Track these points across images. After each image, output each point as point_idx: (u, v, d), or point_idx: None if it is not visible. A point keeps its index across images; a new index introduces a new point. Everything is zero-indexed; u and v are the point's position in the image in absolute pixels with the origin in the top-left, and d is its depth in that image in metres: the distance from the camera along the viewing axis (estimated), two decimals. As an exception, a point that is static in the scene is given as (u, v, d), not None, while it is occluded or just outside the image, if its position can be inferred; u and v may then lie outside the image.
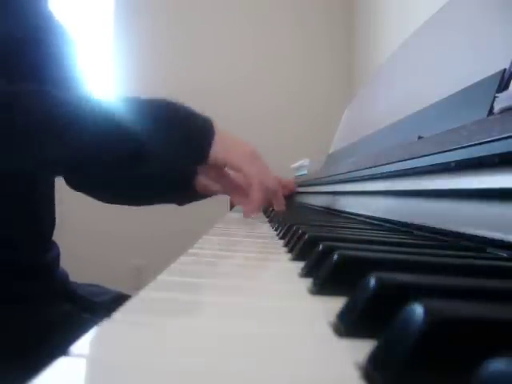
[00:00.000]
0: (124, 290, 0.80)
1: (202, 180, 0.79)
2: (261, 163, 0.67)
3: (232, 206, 1.28)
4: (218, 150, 0.62)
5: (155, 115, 0.59)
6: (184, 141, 0.60)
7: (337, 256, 0.26)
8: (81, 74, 0.72)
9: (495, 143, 0.34)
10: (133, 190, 0.78)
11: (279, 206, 0.78)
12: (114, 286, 0.82)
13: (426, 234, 0.47)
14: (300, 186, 1.37)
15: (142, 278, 2.41)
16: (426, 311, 0.14)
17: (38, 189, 0.67)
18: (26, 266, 0.63)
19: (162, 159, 0.61)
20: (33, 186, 0.66)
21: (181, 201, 0.87)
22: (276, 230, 0.62)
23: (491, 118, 0.40)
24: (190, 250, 0.39)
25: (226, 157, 0.63)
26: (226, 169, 0.71)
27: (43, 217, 0.69)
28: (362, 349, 0.16)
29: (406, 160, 0.52)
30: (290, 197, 1.15)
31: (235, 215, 0.90)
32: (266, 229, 0.67)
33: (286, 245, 0.46)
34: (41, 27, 0.63)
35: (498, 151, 0.34)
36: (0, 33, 0.57)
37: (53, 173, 0.65)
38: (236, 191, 0.77)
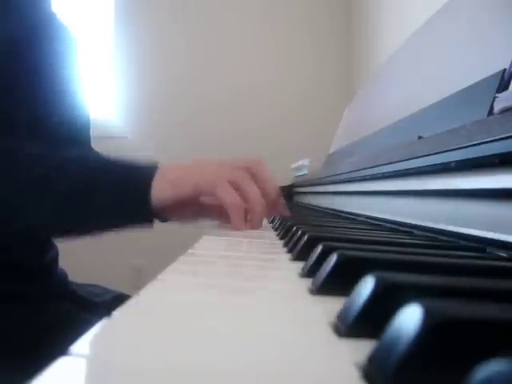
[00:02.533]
0: (124, 290, 0.79)
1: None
2: (213, 170, 0.59)
3: None
4: (162, 189, 0.56)
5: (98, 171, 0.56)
6: (120, 191, 0.56)
7: (337, 256, 0.26)
8: (80, 74, 0.72)
9: (495, 143, 0.34)
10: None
11: (277, 212, 0.68)
12: (114, 286, 0.82)
13: (426, 234, 0.47)
14: (300, 186, 1.37)
15: (141, 278, 2.41)
16: (426, 311, 0.14)
17: None
18: (24, 267, 0.63)
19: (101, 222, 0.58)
20: None
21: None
22: (276, 230, 0.62)
23: (491, 118, 0.40)
24: (190, 250, 0.39)
25: (176, 191, 0.57)
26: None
27: None
28: (362, 349, 0.16)
29: (406, 160, 0.52)
30: (290, 197, 1.14)
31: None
32: (266, 229, 0.67)
33: (285, 245, 0.46)
34: (42, 27, 0.63)
35: (497, 151, 0.34)
36: (1, 32, 0.57)
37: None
38: (220, 215, 0.67)
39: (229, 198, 0.57)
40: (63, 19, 0.69)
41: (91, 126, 0.76)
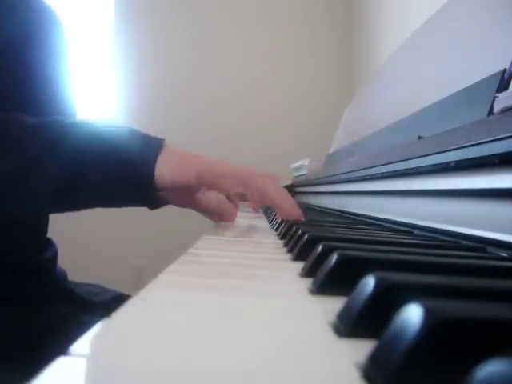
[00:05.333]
0: (124, 290, 0.79)
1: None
2: (218, 171, 0.56)
3: None
4: (165, 172, 0.52)
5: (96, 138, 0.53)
6: (122, 164, 0.52)
7: (337, 256, 0.26)
8: (72, 72, 0.71)
9: (495, 143, 0.34)
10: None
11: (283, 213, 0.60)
12: (114, 285, 0.82)
13: (426, 234, 0.47)
14: (300, 186, 1.37)
15: (142, 278, 2.41)
16: (426, 311, 0.14)
17: None
18: (22, 266, 0.63)
19: (98, 186, 0.53)
20: None
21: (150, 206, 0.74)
22: (276, 230, 0.62)
23: (491, 117, 0.40)
24: (190, 250, 0.39)
25: (179, 176, 0.53)
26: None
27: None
28: (362, 349, 0.16)
29: (406, 160, 0.52)
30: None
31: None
32: (266, 229, 0.67)
33: (285, 245, 0.46)
34: (34, 24, 0.63)
35: (498, 151, 0.34)
36: None
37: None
38: (214, 215, 0.68)
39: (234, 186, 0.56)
40: (58, 13, 0.69)
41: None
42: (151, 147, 0.54)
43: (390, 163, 0.57)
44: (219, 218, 0.69)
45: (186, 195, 0.63)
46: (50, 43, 0.66)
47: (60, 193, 0.51)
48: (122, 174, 0.52)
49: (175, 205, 0.68)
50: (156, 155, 0.53)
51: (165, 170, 0.53)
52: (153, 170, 0.52)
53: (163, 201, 0.65)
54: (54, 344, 0.33)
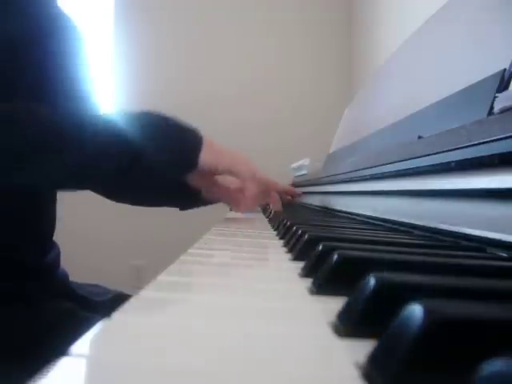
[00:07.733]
0: (124, 290, 0.79)
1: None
2: (250, 164, 0.69)
3: None
4: (207, 156, 0.64)
5: (147, 125, 0.62)
6: (174, 149, 0.63)
7: (337, 256, 0.26)
8: (87, 73, 0.71)
9: (495, 143, 0.34)
10: (141, 192, 0.77)
11: (275, 205, 0.82)
12: (114, 285, 0.82)
13: (426, 234, 0.47)
14: (300, 186, 1.37)
15: (141, 278, 2.41)
16: (426, 311, 0.14)
17: (39, 190, 0.67)
18: (26, 267, 0.63)
19: (156, 166, 0.63)
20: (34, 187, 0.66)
21: (183, 205, 0.87)
22: (276, 229, 0.62)
23: (491, 117, 0.40)
24: (190, 250, 0.39)
25: (215, 161, 0.65)
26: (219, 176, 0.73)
27: (44, 217, 0.69)
28: (362, 349, 0.16)
29: (406, 160, 0.52)
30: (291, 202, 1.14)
31: (235, 215, 0.90)
32: (265, 229, 0.67)
33: (285, 245, 0.46)
34: (48, 26, 0.63)
35: (497, 151, 0.34)
36: (4, 33, 0.56)
37: (55, 187, 0.66)
38: (229, 197, 0.78)
39: (248, 173, 0.67)
40: (71, 16, 0.69)
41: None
42: (197, 138, 0.65)
43: (390, 163, 0.57)
44: (238, 203, 0.76)
45: (208, 178, 0.72)
46: (64, 44, 0.66)
47: (124, 168, 0.60)
48: (174, 159, 0.63)
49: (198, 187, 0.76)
50: (200, 144, 0.64)
51: (205, 156, 0.64)
52: (198, 154, 0.63)
53: (194, 203, 0.78)
54: (55, 344, 0.33)
